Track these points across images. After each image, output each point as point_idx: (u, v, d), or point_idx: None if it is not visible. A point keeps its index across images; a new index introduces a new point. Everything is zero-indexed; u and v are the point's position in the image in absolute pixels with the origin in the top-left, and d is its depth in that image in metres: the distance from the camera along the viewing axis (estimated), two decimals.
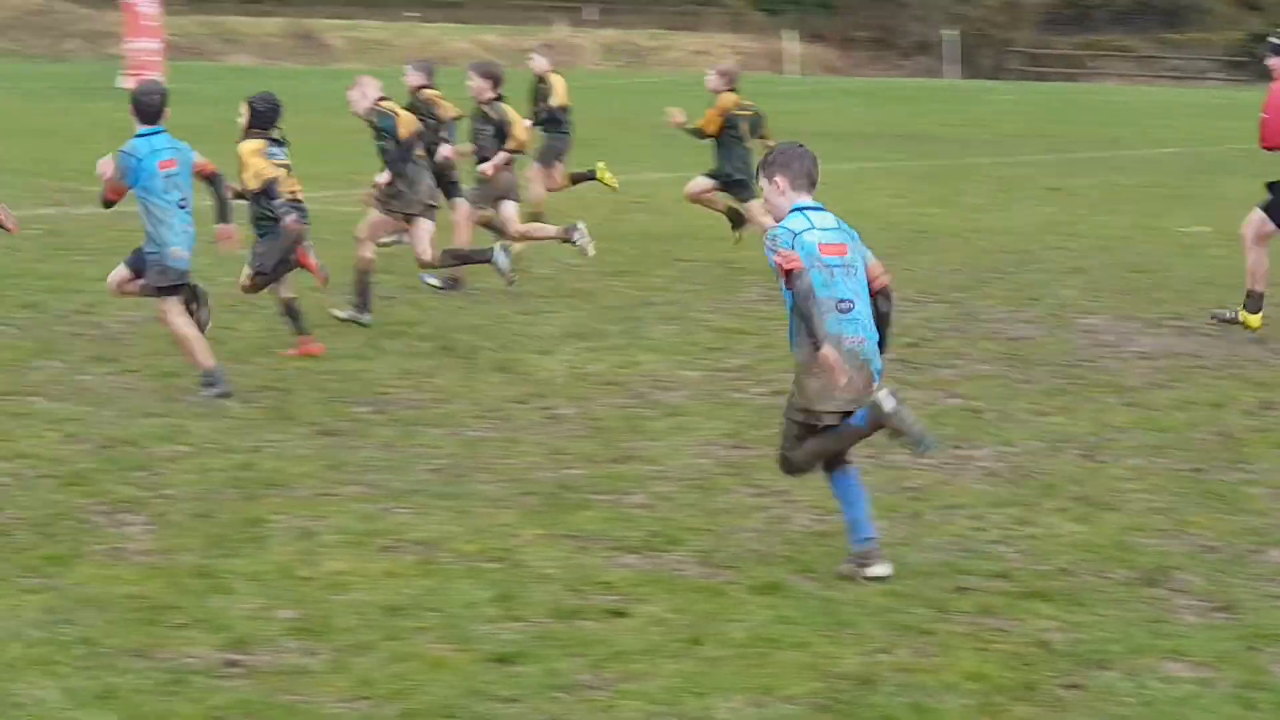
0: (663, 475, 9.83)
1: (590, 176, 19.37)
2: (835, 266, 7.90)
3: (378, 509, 9.03)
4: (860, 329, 7.93)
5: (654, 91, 48.67)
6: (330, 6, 76.16)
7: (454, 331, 13.89)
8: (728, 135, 17.84)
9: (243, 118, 12.87)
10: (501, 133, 16.17)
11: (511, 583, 7.89)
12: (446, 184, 16.07)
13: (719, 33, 73.54)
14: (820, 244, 7.89)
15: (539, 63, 20.01)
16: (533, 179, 19.03)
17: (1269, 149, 14.21)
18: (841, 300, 7.89)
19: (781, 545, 8.55)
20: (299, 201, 12.84)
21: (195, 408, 11.09)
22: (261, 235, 12.82)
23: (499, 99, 16.34)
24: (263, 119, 12.84)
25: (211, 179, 11.77)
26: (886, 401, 7.85)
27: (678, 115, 17.91)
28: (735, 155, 17.86)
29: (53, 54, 60.44)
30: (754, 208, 17.34)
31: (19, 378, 11.82)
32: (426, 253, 14.89)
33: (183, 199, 11.42)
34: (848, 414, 7.96)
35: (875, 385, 7.97)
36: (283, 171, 12.73)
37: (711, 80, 18.13)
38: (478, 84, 16.27)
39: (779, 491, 9.38)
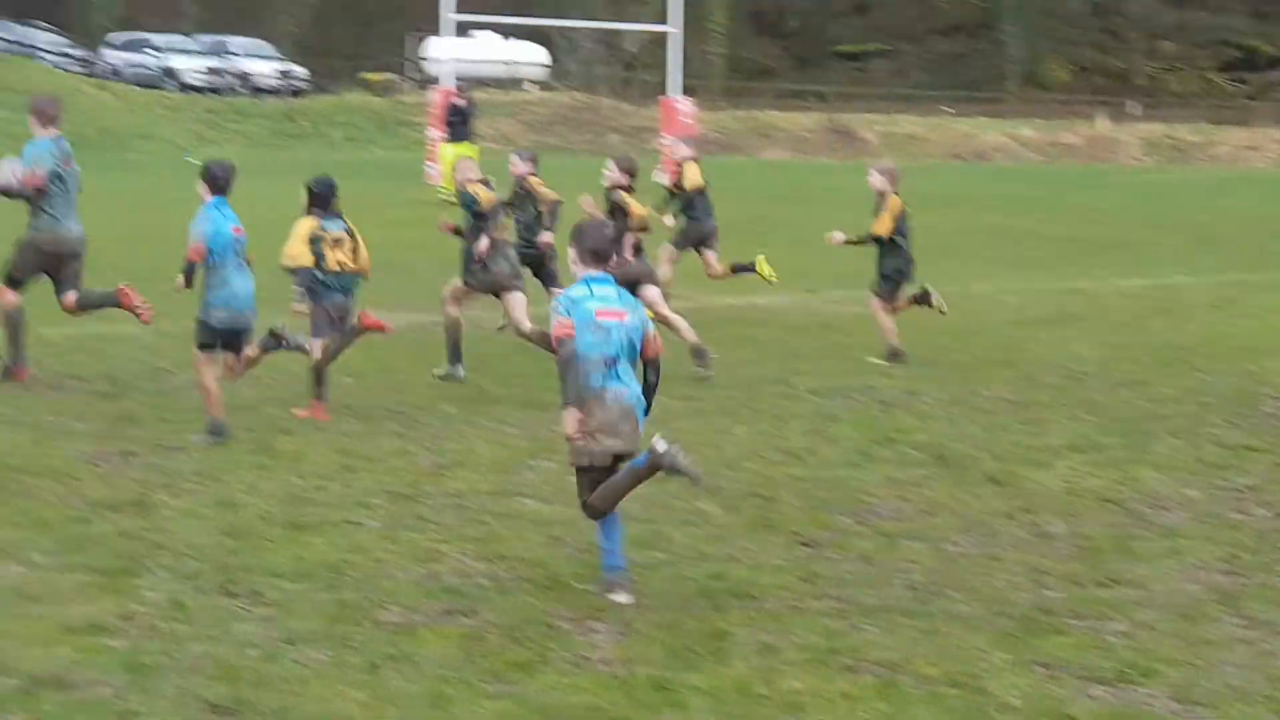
0: (1147, 601, 9.41)
1: (750, 268, 19.47)
2: (611, 328, 9.11)
3: (845, 625, 8.88)
4: (623, 383, 9.13)
5: (1194, 189, 47.35)
6: (866, 101, 76.69)
7: (950, 440, 13.64)
8: (895, 238, 17.63)
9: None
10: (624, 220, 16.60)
11: (972, 711, 7.64)
12: (545, 273, 17.38)
13: (1270, 126, 71.16)
14: (597, 310, 9.12)
15: (681, 150, 20.70)
16: (662, 260, 19.51)
17: None
18: (609, 358, 9.09)
19: (1265, 683, 8.06)
20: (344, 273, 13.98)
21: (676, 514, 11.12)
22: (316, 302, 14.02)
23: (628, 189, 16.81)
24: (320, 200, 14.00)
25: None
26: (659, 445, 9.02)
27: (838, 236, 17.99)
28: (899, 256, 17.64)
29: (594, 149, 62.38)
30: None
31: (513, 477, 12.07)
32: (524, 323, 15.80)
33: (241, 261, 13.03)
34: (621, 458, 9.15)
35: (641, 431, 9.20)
36: (329, 248, 13.88)
37: (876, 180, 17.90)
38: (614, 175, 16.96)
39: (1268, 623, 8.87)
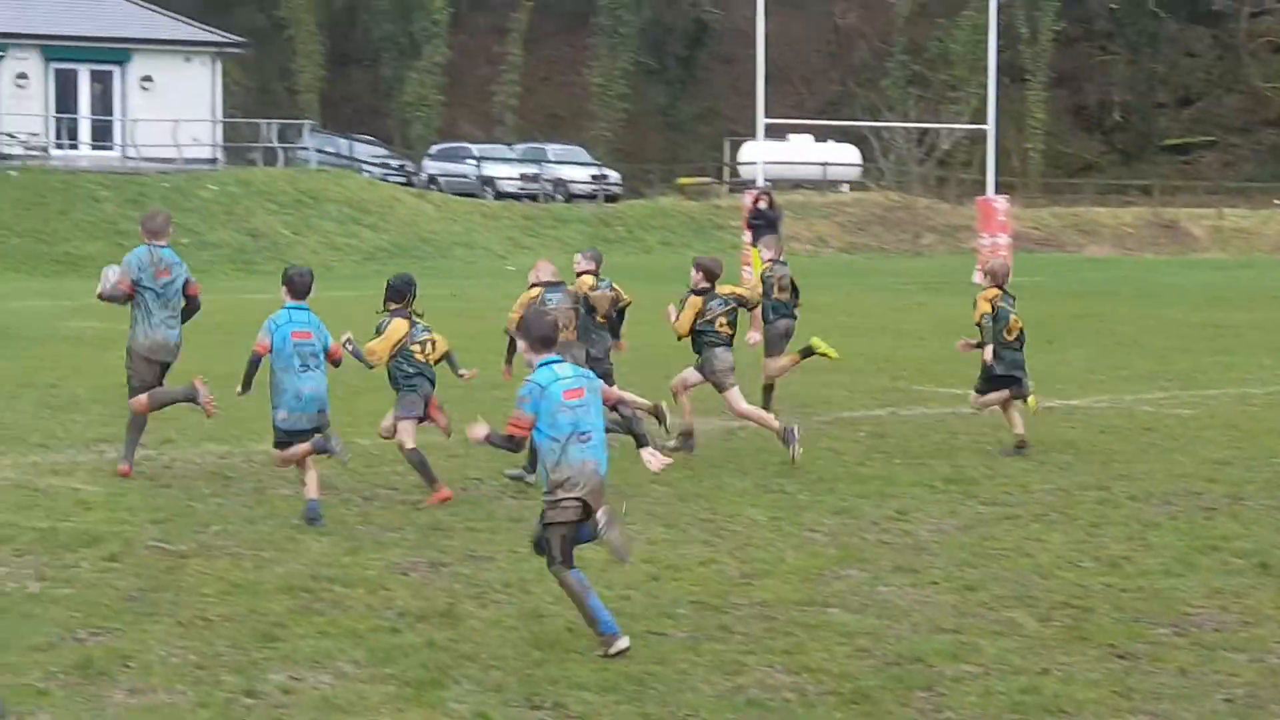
0: None
1: (810, 352, 19.39)
2: (576, 407, 10.04)
3: None
4: (595, 454, 10.09)
5: None
6: (1193, 194, 75.24)
7: (1275, 548, 13.12)
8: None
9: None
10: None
11: None
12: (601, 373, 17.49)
13: None
14: (564, 392, 10.03)
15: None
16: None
17: None
18: (583, 432, 10.04)
19: None
20: (425, 365, 14.88)
21: (987, 624, 10.86)
22: (399, 390, 14.89)
23: (708, 290, 17.12)
24: (396, 294, 14.85)
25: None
26: (602, 518, 10.07)
27: (965, 343, 18.05)
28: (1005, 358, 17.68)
29: (911, 249, 62.10)
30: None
31: (820, 587, 11.90)
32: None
33: (303, 364, 13.82)
34: (586, 516, 10.08)
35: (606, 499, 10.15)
36: (416, 347, 14.78)
37: (981, 278, 18.11)
38: (694, 275, 17.24)
39: None
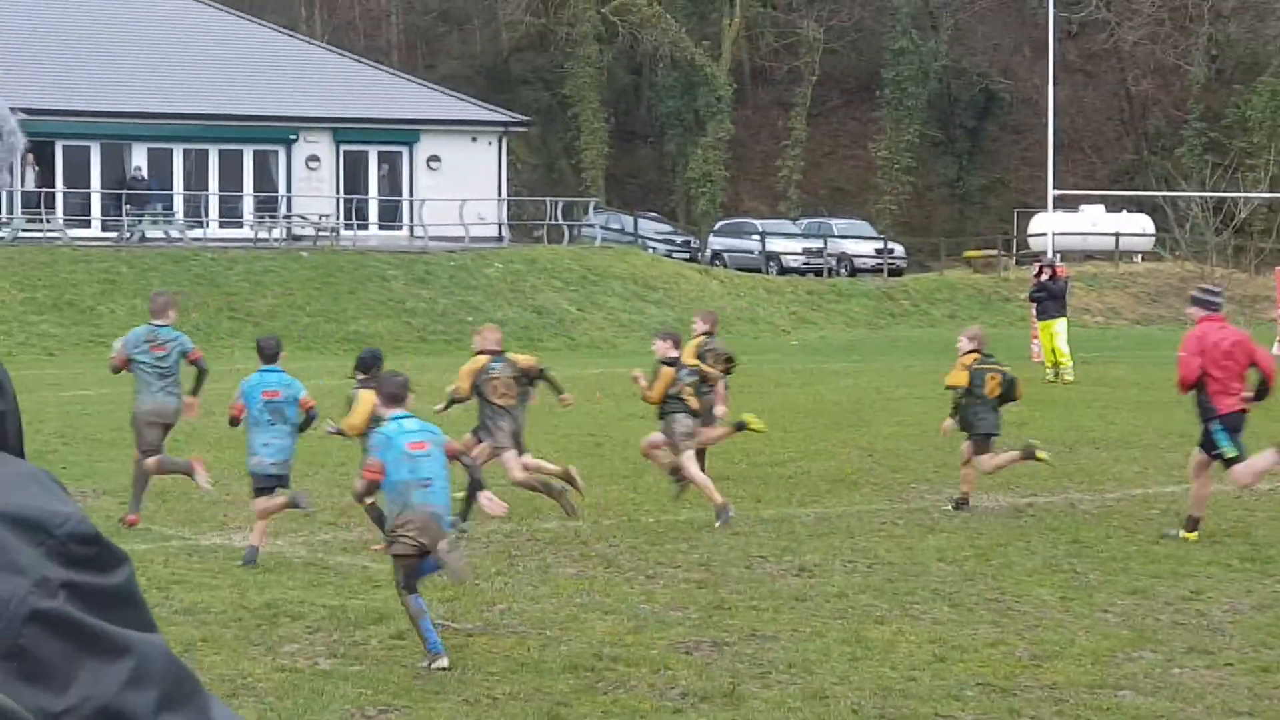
0: None
1: (743, 426, 19.70)
2: (419, 457, 11.57)
3: None
4: (435, 499, 11.67)
5: None
6: None
7: None
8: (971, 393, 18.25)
9: None
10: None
11: None
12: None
13: None
14: (408, 444, 11.58)
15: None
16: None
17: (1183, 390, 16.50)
18: (423, 480, 11.58)
19: None
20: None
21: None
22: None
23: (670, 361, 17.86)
24: (364, 365, 16.22)
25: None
26: (443, 548, 11.54)
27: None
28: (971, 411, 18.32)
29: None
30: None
31: (1112, 669, 11.58)
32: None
33: (271, 420, 15.48)
34: (424, 552, 11.56)
35: (446, 534, 11.74)
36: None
37: (962, 344, 18.60)
38: (660, 344, 18.09)
39: None
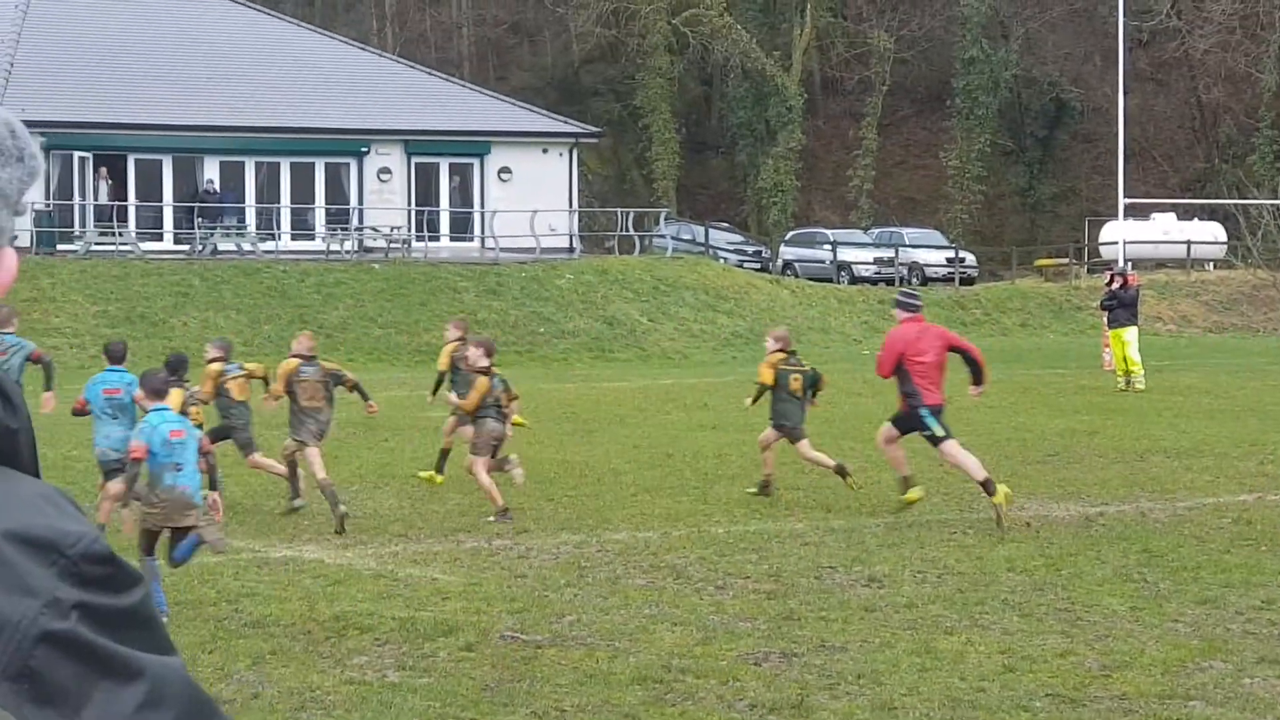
0: None
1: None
2: (175, 444, 13.61)
3: None
4: (186, 480, 13.64)
5: None
6: None
7: None
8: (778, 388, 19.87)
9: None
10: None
11: None
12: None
13: None
14: (170, 431, 13.66)
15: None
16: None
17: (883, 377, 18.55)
18: (176, 464, 13.58)
19: None
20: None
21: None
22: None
23: (483, 369, 18.77)
24: (171, 369, 17.60)
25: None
26: (201, 523, 13.73)
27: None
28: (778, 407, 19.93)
29: (1279, 327, 60.36)
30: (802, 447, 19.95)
31: (1182, 680, 11.51)
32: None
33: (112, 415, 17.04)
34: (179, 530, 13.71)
35: (198, 511, 13.72)
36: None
37: (769, 344, 20.10)
38: (473, 352, 19.04)
39: None
